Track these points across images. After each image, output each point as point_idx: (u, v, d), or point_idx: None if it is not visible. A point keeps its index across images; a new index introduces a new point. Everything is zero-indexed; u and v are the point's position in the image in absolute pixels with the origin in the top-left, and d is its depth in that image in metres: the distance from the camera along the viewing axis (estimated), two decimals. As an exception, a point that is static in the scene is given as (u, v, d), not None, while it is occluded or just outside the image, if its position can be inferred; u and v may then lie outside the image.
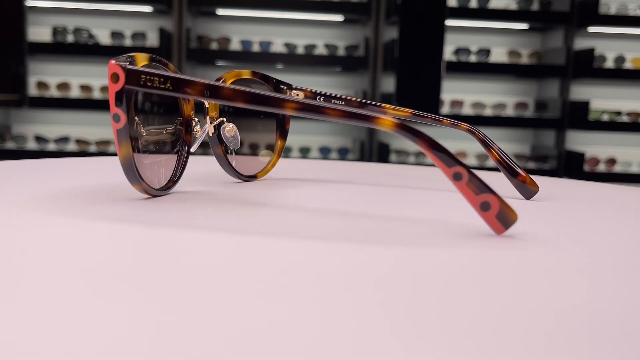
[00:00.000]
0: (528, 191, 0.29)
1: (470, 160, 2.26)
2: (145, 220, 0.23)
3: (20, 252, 0.18)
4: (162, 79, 0.23)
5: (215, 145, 0.31)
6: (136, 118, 0.25)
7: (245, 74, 0.33)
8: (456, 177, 0.21)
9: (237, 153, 0.33)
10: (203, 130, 0.29)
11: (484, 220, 0.22)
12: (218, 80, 0.29)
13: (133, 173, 0.25)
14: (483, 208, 0.22)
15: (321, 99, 0.32)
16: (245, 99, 0.23)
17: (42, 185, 0.30)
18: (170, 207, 0.26)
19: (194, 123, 0.29)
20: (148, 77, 0.23)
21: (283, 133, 0.35)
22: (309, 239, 0.21)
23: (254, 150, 0.35)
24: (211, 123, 0.30)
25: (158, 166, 0.27)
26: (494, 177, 0.37)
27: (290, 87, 0.34)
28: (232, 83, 0.31)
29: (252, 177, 0.34)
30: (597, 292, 0.16)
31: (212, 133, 0.30)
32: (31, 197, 0.26)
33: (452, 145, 2.28)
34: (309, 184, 0.34)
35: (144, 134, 0.26)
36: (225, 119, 0.30)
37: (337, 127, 2.22)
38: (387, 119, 0.21)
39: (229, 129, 0.30)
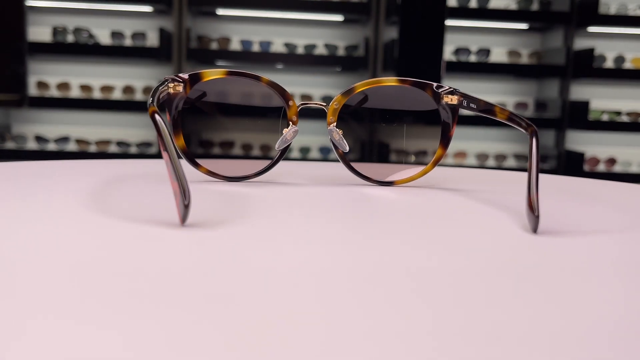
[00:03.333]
0: (530, 219, 0.23)
1: (470, 160, 2.26)
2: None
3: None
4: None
5: (334, 148, 0.33)
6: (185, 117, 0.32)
7: (390, 80, 0.32)
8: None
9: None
10: (287, 132, 0.32)
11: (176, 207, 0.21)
12: (349, 90, 0.32)
13: (189, 158, 0.32)
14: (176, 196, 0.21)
15: (465, 101, 0.32)
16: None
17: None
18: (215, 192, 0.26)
19: (290, 125, 0.32)
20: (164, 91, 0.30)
21: (445, 141, 0.33)
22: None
23: (408, 157, 0.34)
24: (328, 126, 0.33)
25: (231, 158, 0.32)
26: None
27: (454, 92, 0.32)
28: (366, 90, 0.32)
29: (387, 183, 0.34)
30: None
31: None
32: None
33: (454, 145, 2.28)
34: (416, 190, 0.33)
35: (203, 129, 0.31)
36: (334, 124, 0.32)
37: (339, 128, 2.22)
38: (153, 107, 0.24)
39: (334, 132, 0.32)
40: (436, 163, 0.33)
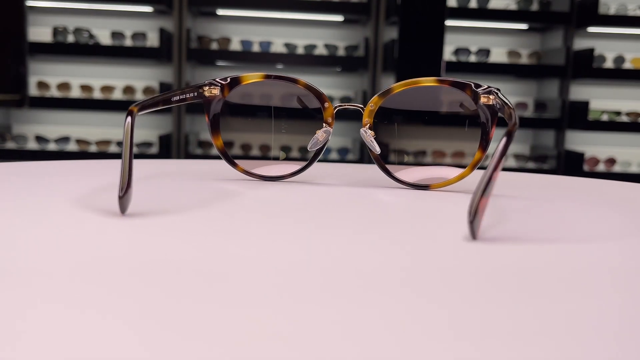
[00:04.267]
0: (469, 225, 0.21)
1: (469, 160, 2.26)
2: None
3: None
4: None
5: (369, 150, 0.33)
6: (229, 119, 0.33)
7: (428, 81, 0.31)
8: None
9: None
10: (319, 133, 0.32)
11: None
12: (387, 91, 0.32)
13: (226, 158, 0.33)
14: None
15: (497, 101, 0.30)
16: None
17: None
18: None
19: (324, 126, 0.33)
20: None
21: (484, 143, 0.31)
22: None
23: (452, 159, 0.33)
24: (363, 128, 0.32)
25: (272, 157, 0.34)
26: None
27: (491, 92, 0.30)
28: (404, 91, 0.32)
29: (422, 187, 0.32)
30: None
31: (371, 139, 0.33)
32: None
33: (454, 145, 2.28)
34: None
35: (238, 131, 0.34)
36: (369, 125, 0.32)
37: (337, 128, 2.22)
38: (133, 107, 0.26)
39: (366, 134, 0.32)
40: (475, 166, 0.32)
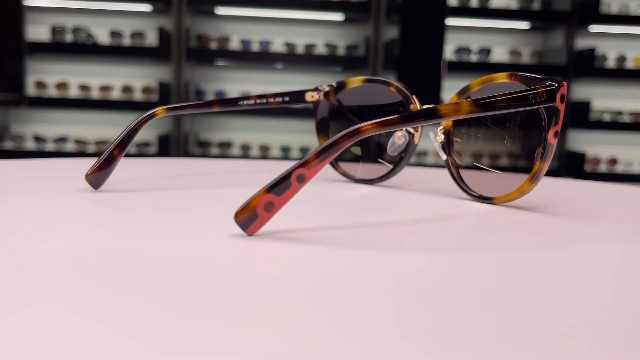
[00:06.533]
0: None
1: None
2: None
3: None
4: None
5: (442, 154, 0.31)
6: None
7: (501, 77, 0.28)
8: None
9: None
10: (396, 136, 0.32)
11: None
12: (464, 89, 0.30)
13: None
14: None
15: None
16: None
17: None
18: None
19: (408, 130, 0.32)
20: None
21: (542, 150, 0.26)
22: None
23: (518, 167, 0.27)
24: (439, 132, 0.31)
25: (365, 160, 0.35)
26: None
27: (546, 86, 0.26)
28: (481, 89, 0.29)
29: (486, 199, 0.29)
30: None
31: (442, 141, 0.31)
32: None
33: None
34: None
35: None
36: (442, 129, 0.31)
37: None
38: (158, 109, 0.31)
39: (434, 138, 0.31)
40: (534, 179, 0.27)
